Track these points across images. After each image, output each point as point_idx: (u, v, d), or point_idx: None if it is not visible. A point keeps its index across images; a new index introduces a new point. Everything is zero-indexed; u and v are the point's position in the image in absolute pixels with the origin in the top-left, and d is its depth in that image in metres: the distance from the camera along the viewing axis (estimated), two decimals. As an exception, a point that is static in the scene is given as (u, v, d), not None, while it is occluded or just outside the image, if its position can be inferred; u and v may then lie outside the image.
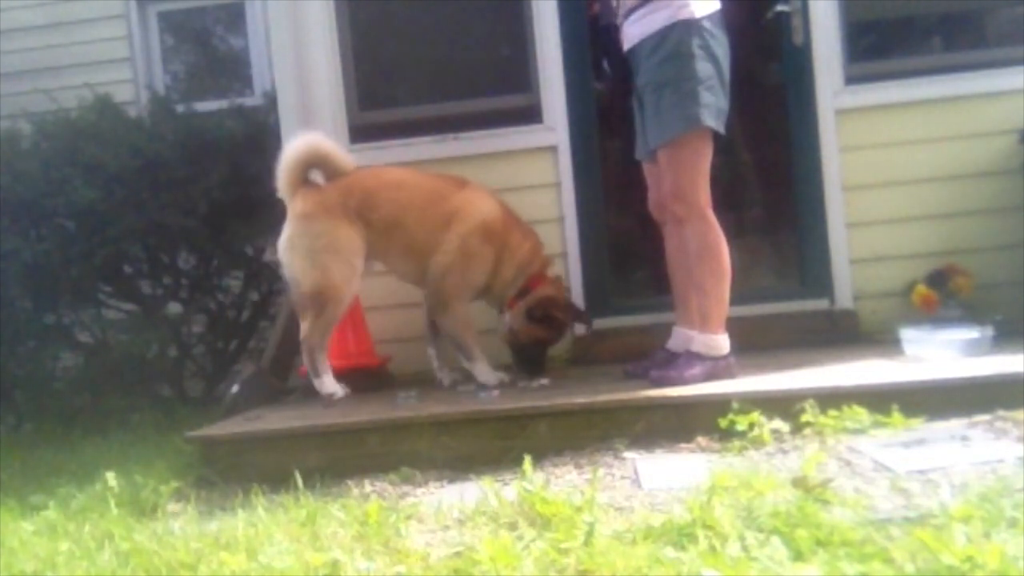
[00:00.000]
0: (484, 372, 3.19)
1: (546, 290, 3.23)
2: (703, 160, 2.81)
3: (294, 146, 3.19)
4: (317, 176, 3.25)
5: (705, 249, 2.81)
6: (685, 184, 2.81)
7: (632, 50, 2.91)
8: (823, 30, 3.61)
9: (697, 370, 2.78)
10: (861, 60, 3.67)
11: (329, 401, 3.09)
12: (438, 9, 3.91)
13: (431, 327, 3.38)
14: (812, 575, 1.51)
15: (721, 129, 2.80)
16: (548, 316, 3.19)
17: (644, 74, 2.86)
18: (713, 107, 2.76)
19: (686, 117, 2.75)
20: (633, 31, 2.87)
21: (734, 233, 2.87)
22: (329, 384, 3.13)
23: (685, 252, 2.91)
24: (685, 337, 2.99)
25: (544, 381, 3.11)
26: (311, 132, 3.31)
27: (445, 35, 3.93)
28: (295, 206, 3.18)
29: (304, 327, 3.15)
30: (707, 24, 2.76)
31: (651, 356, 3.07)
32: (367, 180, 3.26)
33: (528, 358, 3.26)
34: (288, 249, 3.17)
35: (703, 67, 2.74)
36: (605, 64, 3.06)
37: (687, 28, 2.74)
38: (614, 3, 3.00)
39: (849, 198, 3.62)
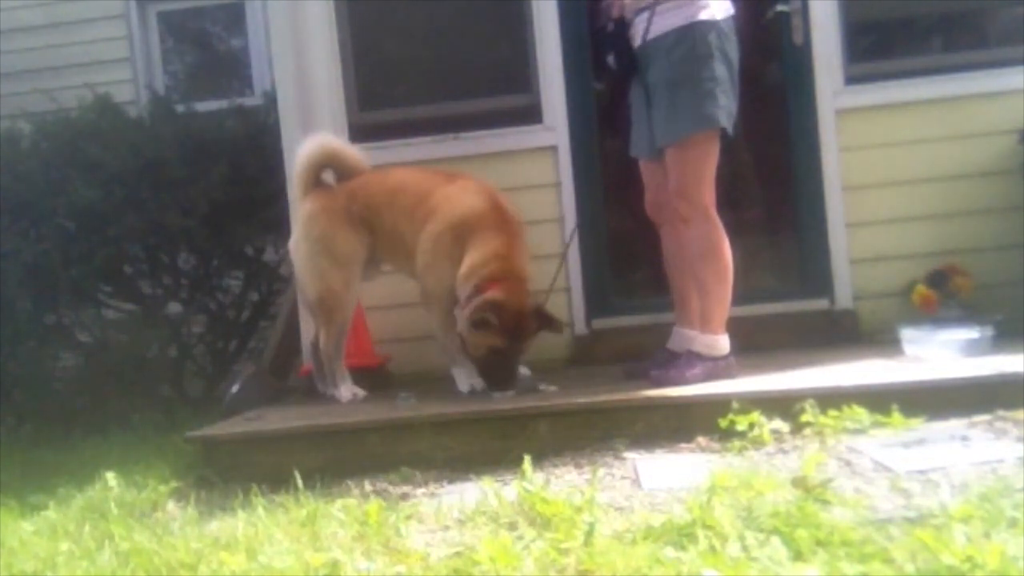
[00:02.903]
0: (460, 377, 3.04)
1: (494, 294, 2.83)
2: (711, 160, 2.82)
3: (307, 148, 3.20)
4: (329, 176, 3.27)
5: (708, 249, 2.81)
6: (691, 183, 2.82)
7: (644, 47, 2.89)
8: (823, 30, 3.61)
9: (697, 370, 2.79)
10: (861, 60, 3.67)
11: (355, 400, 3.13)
12: (438, 9, 3.90)
13: None
14: (812, 575, 1.51)
15: (730, 130, 2.82)
16: (484, 321, 2.80)
17: (658, 71, 2.85)
18: (726, 108, 2.79)
19: (702, 116, 2.76)
20: (646, 28, 2.87)
21: (734, 233, 2.87)
22: (347, 393, 3.16)
23: (684, 252, 2.91)
24: (685, 337, 2.99)
25: (553, 388, 2.95)
26: (322, 133, 3.30)
27: (445, 35, 3.92)
28: (303, 208, 3.22)
29: (321, 338, 3.20)
30: (724, 26, 2.78)
31: (651, 356, 3.07)
32: (371, 184, 3.26)
33: (487, 369, 2.93)
34: (295, 251, 3.25)
35: (720, 68, 2.76)
36: (611, 60, 3.01)
37: (707, 28, 2.76)
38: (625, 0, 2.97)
39: (849, 198, 3.61)
